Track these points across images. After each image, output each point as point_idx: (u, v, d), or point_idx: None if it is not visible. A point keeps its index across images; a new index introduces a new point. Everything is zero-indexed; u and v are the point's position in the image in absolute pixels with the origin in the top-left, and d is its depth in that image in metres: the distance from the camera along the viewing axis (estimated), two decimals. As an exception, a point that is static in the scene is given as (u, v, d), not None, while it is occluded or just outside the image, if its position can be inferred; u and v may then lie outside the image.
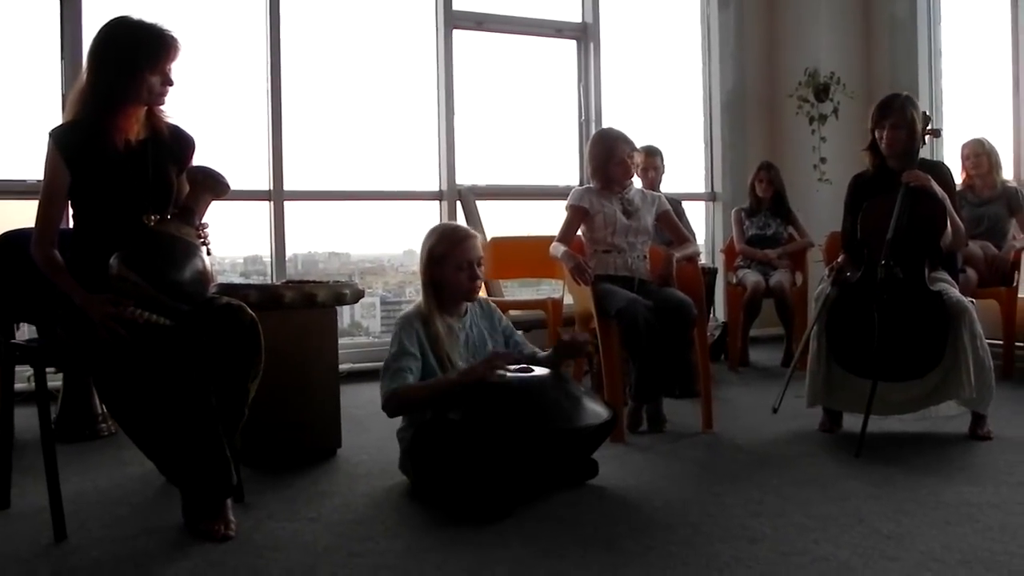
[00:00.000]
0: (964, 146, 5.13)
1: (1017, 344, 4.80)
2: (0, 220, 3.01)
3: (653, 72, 6.53)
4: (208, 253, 2.65)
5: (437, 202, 5.72)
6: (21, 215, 2.84)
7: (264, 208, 5.29)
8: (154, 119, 2.67)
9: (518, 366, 2.90)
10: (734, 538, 2.42)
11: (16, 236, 2.76)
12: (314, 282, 3.47)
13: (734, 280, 5.49)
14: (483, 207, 5.64)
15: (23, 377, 3.63)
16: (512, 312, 4.72)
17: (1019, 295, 4.82)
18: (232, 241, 5.48)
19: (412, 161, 5.78)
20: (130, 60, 2.53)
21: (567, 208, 3.92)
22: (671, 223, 4.07)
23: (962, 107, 5.97)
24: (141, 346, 2.43)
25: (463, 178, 5.73)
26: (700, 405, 3.74)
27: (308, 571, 2.25)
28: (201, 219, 2.65)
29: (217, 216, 2.75)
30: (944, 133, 5.61)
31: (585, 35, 6.19)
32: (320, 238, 5.92)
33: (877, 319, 3.33)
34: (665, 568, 2.22)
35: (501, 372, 2.84)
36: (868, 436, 3.26)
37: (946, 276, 3.56)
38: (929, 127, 3.62)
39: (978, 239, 4.85)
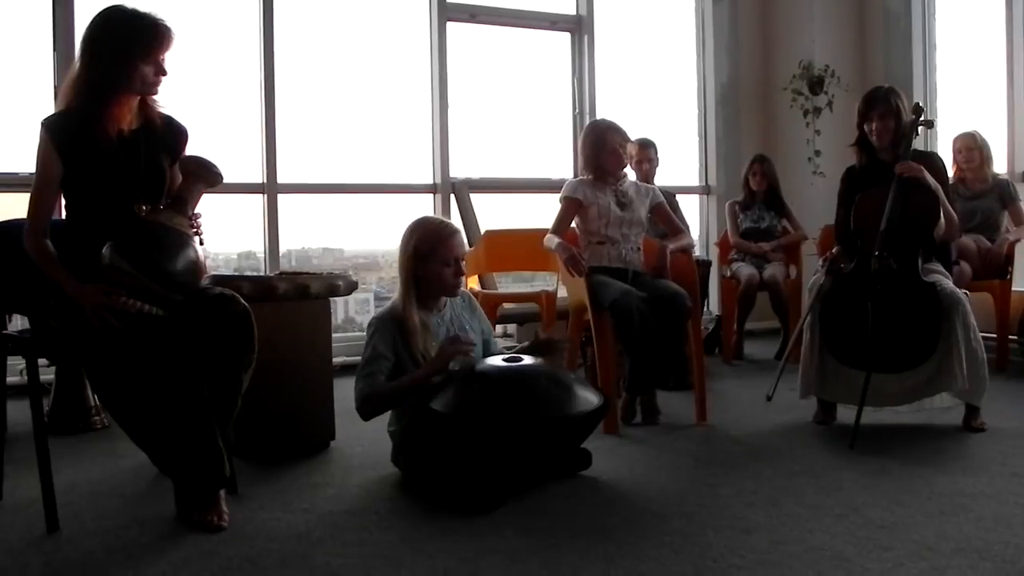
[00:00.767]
0: (956, 140, 5.13)
1: (1011, 337, 4.81)
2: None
3: (647, 65, 6.53)
4: (201, 243, 2.64)
5: (431, 195, 5.71)
6: (14, 208, 2.82)
7: (257, 201, 5.27)
8: (147, 109, 2.66)
9: (509, 355, 2.90)
10: (728, 528, 2.42)
11: (7, 226, 2.74)
12: (308, 273, 3.46)
13: (728, 273, 5.49)
14: (477, 200, 5.64)
15: (15, 370, 3.62)
16: (506, 305, 4.73)
17: (1013, 288, 4.83)
18: (226, 236, 5.46)
19: (406, 154, 5.77)
20: (124, 49, 2.52)
21: (561, 200, 3.92)
22: (665, 215, 4.07)
23: (956, 100, 5.98)
24: (133, 336, 2.43)
25: (457, 171, 5.72)
26: (694, 397, 3.74)
27: (301, 561, 2.25)
28: (194, 209, 2.65)
29: (210, 211, 2.75)
30: (938, 126, 5.61)
31: (579, 28, 6.18)
32: (314, 233, 5.91)
33: (871, 310, 3.33)
34: (659, 558, 2.22)
35: (460, 355, 2.83)
36: (862, 428, 3.26)
37: (940, 268, 3.56)
38: (922, 118, 3.62)
39: (971, 232, 4.86)
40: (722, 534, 2.37)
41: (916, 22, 5.98)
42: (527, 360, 2.87)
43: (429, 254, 2.94)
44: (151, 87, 2.61)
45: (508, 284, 5.60)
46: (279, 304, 3.21)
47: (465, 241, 3.04)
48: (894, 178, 3.45)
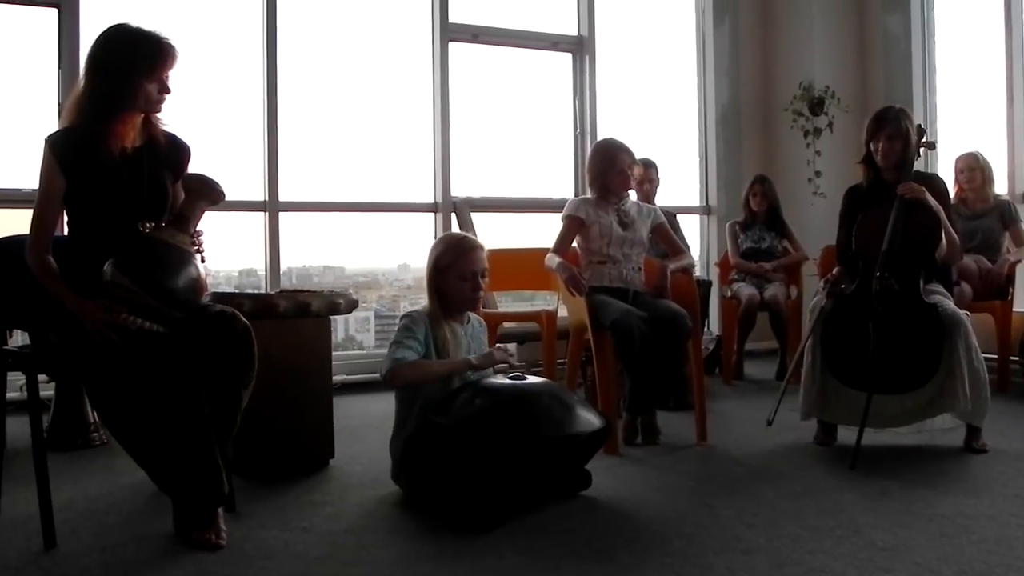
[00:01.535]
0: (958, 160, 5.16)
1: (1012, 358, 4.80)
2: (-3, 229, 3.00)
3: (648, 85, 6.56)
4: (202, 261, 2.65)
5: (432, 214, 5.72)
6: (17, 224, 2.82)
7: (259, 219, 5.28)
8: (151, 127, 2.67)
9: (513, 374, 2.90)
10: (728, 549, 2.41)
11: (9, 242, 2.75)
12: (308, 291, 3.46)
13: (728, 293, 5.49)
14: (478, 219, 5.64)
15: (15, 386, 3.62)
16: (506, 324, 4.72)
17: (1014, 309, 4.83)
18: (227, 254, 5.48)
19: (407, 173, 5.79)
20: (128, 67, 2.53)
21: (563, 218, 3.93)
22: (666, 235, 4.08)
23: (956, 121, 6.00)
24: (134, 353, 2.43)
25: (458, 190, 5.73)
26: (694, 417, 3.73)
27: (300, 580, 2.24)
28: (196, 227, 2.65)
29: (212, 228, 2.76)
30: (938, 147, 5.62)
31: (581, 48, 6.21)
32: (315, 251, 5.91)
33: (872, 331, 3.33)
34: (659, 579, 2.21)
35: (504, 364, 2.97)
36: (863, 449, 3.25)
37: (941, 288, 3.56)
38: (924, 139, 3.63)
39: (972, 253, 4.86)
40: (723, 556, 2.36)
41: (916, 43, 6.01)
42: (532, 379, 2.88)
43: (448, 267, 3.00)
44: (155, 105, 2.62)
45: (509, 303, 5.60)
46: (279, 322, 3.20)
47: (485, 257, 3.06)
48: (896, 199, 3.46)
